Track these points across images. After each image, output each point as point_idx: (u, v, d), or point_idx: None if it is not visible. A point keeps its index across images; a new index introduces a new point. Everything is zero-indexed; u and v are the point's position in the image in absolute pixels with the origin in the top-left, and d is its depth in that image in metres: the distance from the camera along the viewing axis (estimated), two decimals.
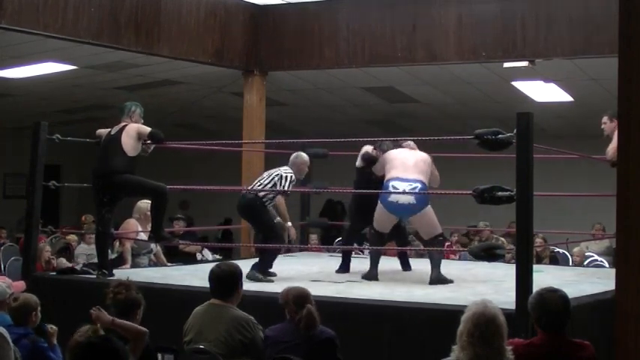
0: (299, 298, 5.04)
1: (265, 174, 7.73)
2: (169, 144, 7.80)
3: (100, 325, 4.59)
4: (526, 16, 9.46)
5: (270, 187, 7.50)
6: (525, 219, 5.62)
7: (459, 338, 3.82)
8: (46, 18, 8.35)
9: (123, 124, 7.28)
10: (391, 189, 7.19)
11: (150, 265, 8.70)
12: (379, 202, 7.41)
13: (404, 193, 7.14)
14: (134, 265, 8.48)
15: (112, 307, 4.87)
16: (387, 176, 7.35)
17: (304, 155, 7.89)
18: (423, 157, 7.50)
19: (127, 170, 7.15)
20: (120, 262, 8.37)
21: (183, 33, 9.76)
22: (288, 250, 9.66)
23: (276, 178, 7.52)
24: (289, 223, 7.77)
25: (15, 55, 10.37)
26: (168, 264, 8.96)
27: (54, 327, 5.31)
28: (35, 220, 7.47)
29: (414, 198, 7.15)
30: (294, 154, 7.89)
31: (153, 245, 8.65)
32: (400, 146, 7.66)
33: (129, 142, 7.15)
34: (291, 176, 7.58)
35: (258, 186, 7.57)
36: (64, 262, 9.10)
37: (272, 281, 7.15)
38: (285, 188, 7.50)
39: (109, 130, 7.33)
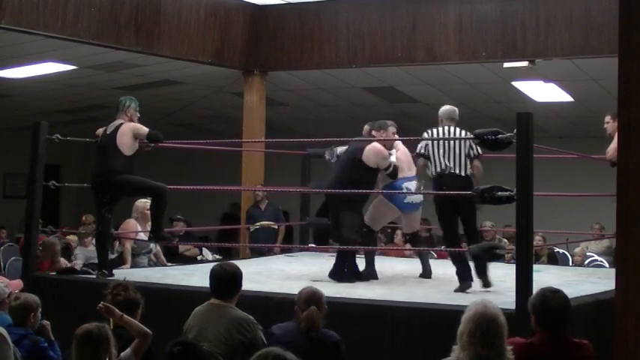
0: (308, 298, 4.95)
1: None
2: (169, 144, 7.78)
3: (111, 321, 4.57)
4: (526, 16, 9.47)
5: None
6: (525, 219, 5.62)
7: (460, 338, 3.82)
8: (46, 18, 8.35)
9: (118, 122, 7.18)
10: (405, 190, 7.43)
11: (150, 265, 8.69)
12: (387, 201, 7.53)
13: (409, 193, 7.39)
14: (134, 265, 8.47)
15: None
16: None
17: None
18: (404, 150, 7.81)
19: (126, 170, 7.10)
20: (120, 262, 8.36)
21: (183, 33, 9.76)
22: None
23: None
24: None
25: (15, 55, 10.37)
26: (168, 264, 8.96)
27: (46, 321, 5.30)
28: (35, 220, 7.46)
29: (422, 196, 7.57)
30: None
31: (152, 245, 8.64)
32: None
33: (124, 142, 7.06)
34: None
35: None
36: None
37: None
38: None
39: (105, 128, 7.28)
